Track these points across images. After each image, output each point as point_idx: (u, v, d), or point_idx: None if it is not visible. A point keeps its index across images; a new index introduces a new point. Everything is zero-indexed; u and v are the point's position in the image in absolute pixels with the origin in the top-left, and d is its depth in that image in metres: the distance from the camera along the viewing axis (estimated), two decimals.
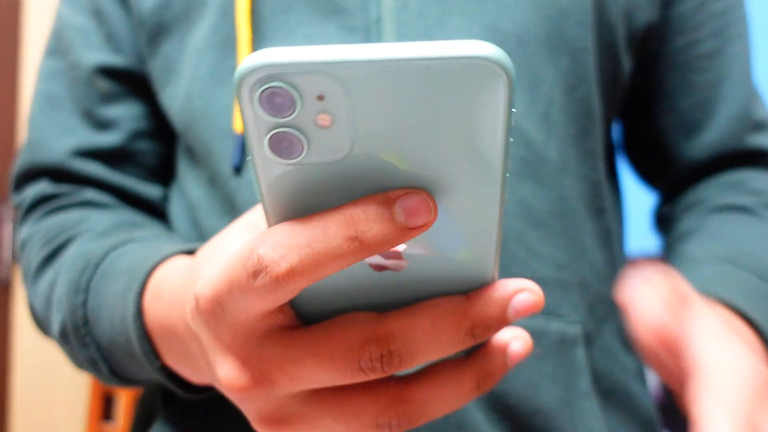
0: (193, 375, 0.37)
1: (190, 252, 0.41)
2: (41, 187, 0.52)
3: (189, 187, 0.51)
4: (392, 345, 0.27)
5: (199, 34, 0.49)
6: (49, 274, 0.47)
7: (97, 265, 0.43)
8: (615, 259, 0.51)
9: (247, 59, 0.22)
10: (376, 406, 0.29)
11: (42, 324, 0.50)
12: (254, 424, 0.31)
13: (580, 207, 0.48)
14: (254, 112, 0.23)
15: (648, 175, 0.60)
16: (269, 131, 0.23)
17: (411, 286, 0.28)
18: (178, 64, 0.50)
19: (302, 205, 0.25)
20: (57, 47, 0.56)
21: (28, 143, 0.54)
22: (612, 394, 0.48)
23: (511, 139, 0.26)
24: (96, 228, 0.48)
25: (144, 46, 0.52)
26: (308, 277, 0.25)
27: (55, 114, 0.54)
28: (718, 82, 0.54)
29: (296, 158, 0.24)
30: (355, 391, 0.29)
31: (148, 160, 0.55)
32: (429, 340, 0.27)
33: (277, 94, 0.22)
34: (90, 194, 0.52)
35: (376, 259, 0.27)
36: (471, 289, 0.29)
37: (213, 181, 0.48)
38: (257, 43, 0.47)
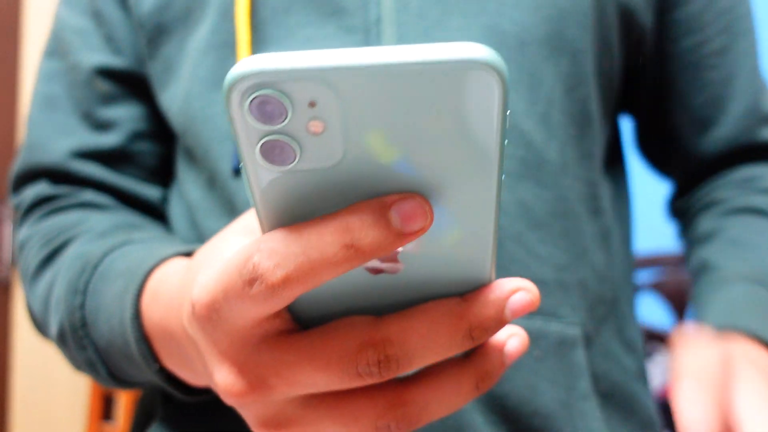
0: (192, 377, 0.37)
1: (189, 254, 0.40)
2: (40, 188, 0.52)
3: (188, 188, 0.50)
4: (389, 350, 0.27)
5: (200, 36, 0.49)
6: (47, 276, 0.47)
7: (95, 267, 0.43)
8: (615, 259, 0.51)
9: (236, 67, 0.22)
10: (375, 409, 0.29)
11: (40, 325, 0.50)
12: (253, 428, 0.30)
13: (580, 207, 0.48)
14: (245, 120, 0.23)
15: (661, 167, 0.62)
16: (260, 139, 0.23)
17: (408, 288, 0.28)
18: (177, 65, 0.50)
19: (296, 211, 0.25)
20: (56, 48, 0.56)
21: (27, 144, 0.54)
22: (611, 396, 0.48)
23: (506, 141, 0.26)
24: (95, 229, 0.47)
25: (143, 48, 0.52)
26: (304, 285, 0.25)
27: (55, 115, 0.54)
28: (729, 79, 0.55)
29: (289, 165, 0.24)
30: (354, 394, 0.29)
31: (148, 161, 0.55)
32: (426, 344, 0.27)
33: (267, 102, 0.22)
34: (89, 195, 0.52)
35: (373, 262, 0.27)
36: (468, 290, 0.28)
37: (212, 183, 0.48)
38: (257, 44, 0.46)
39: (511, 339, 0.31)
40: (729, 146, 0.56)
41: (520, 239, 0.45)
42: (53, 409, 1.88)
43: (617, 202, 0.55)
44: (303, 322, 0.29)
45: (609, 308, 0.49)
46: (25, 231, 0.52)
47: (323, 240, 0.24)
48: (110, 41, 0.54)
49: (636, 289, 0.55)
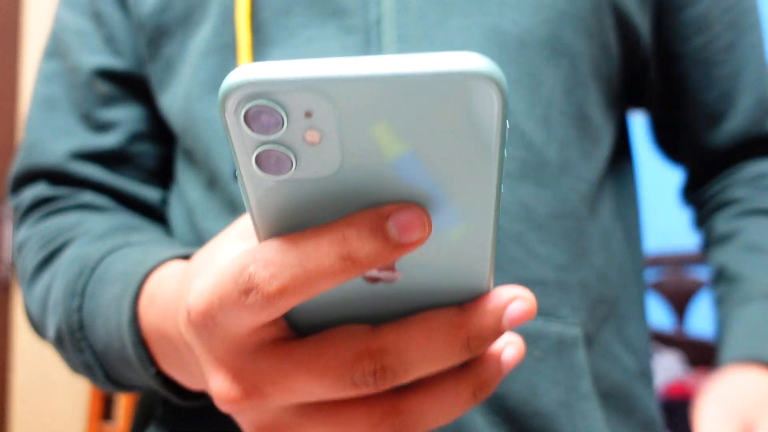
0: (189, 381, 0.37)
1: (186, 257, 0.40)
2: (39, 189, 0.52)
3: (187, 189, 0.50)
4: (385, 360, 0.27)
5: (201, 37, 0.49)
6: (45, 278, 0.47)
7: (93, 270, 0.43)
8: (617, 259, 0.51)
9: (232, 76, 0.21)
10: (371, 418, 0.28)
11: (38, 328, 0.50)
12: None
13: (580, 208, 0.48)
14: (240, 130, 0.22)
15: (674, 158, 0.63)
16: (256, 148, 0.23)
17: (405, 297, 0.28)
18: (178, 66, 0.50)
19: (292, 220, 0.25)
20: (56, 49, 0.56)
21: (26, 145, 0.54)
22: (612, 396, 0.48)
23: (506, 153, 0.25)
24: (93, 231, 0.47)
25: (144, 49, 0.52)
26: (300, 296, 0.25)
27: (54, 116, 0.54)
28: (737, 73, 0.56)
29: (285, 174, 0.23)
30: (350, 402, 0.29)
31: (148, 163, 0.54)
32: (423, 355, 0.27)
33: (263, 112, 0.22)
34: (88, 197, 0.52)
35: (370, 271, 0.27)
36: (466, 299, 0.28)
37: (213, 184, 0.48)
38: (258, 46, 0.46)
39: (508, 347, 0.31)
40: (740, 139, 0.57)
41: (521, 240, 0.45)
42: (53, 409, 1.88)
43: (621, 202, 0.55)
44: (299, 330, 0.29)
45: (609, 308, 0.49)
46: (23, 232, 0.52)
47: (320, 251, 0.24)
48: (110, 42, 0.54)
49: (644, 288, 0.55)
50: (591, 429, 0.45)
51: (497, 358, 0.31)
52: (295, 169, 0.23)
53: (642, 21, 0.53)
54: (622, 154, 0.57)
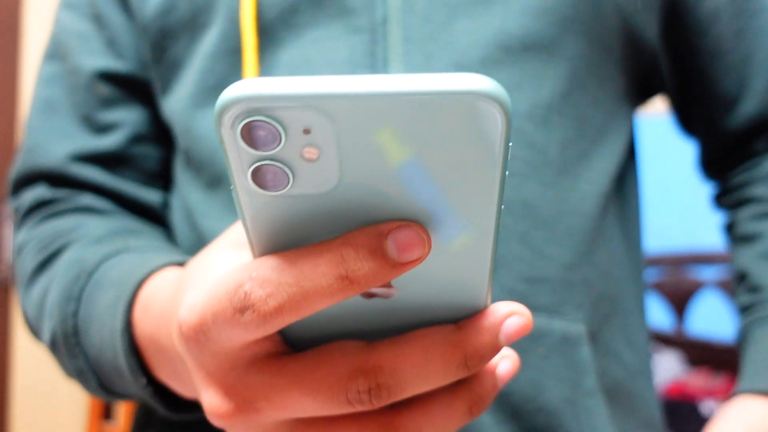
0: (184, 390, 0.37)
1: (183, 263, 0.40)
2: (39, 191, 0.52)
3: (188, 190, 0.50)
4: (380, 378, 0.26)
5: (208, 41, 0.49)
6: (42, 281, 0.47)
7: (90, 274, 0.43)
8: (618, 257, 0.52)
9: (229, 90, 0.21)
10: None
11: (35, 331, 0.49)
12: None
13: (584, 206, 0.48)
14: (236, 145, 0.22)
15: (691, 135, 0.63)
16: (252, 163, 0.22)
17: (401, 312, 0.28)
18: (184, 68, 0.50)
19: (288, 236, 0.25)
20: (56, 52, 0.56)
21: (25, 147, 0.54)
22: (614, 393, 0.48)
23: (507, 172, 0.25)
24: (91, 235, 0.47)
25: (148, 52, 0.52)
26: (296, 315, 0.24)
27: (54, 119, 0.53)
28: (749, 57, 0.57)
29: (281, 190, 0.23)
30: (344, 418, 0.28)
31: (148, 165, 0.54)
32: (419, 373, 0.27)
33: (260, 127, 0.21)
34: (87, 199, 0.52)
35: None
36: (463, 315, 0.28)
37: (215, 184, 0.48)
38: (265, 48, 0.46)
39: (503, 361, 0.31)
40: (755, 120, 0.58)
41: (526, 238, 0.45)
42: (53, 409, 1.89)
43: (623, 201, 0.55)
44: (293, 344, 0.29)
45: (612, 306, 0.50)
46: (22, 235, 0.52)
47: (317, 270, 0.24)
48: (112, 45, 0.54)
49: (644, 286, 0.56)
50: (595, 425, 0.45)
51: (492, 373, 0.30)
52: (292, 185, 0.23)
53: (647, 22, 0.53)
54: (625, 154, 0.57)
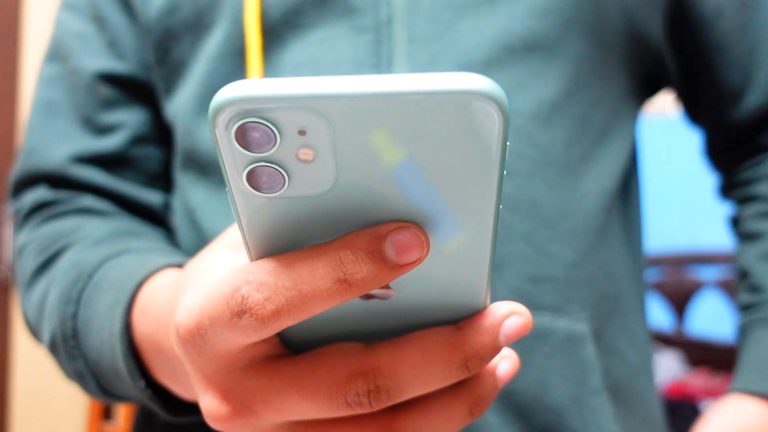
0: (183, 392, 0.37)
1: (182, 265, 0.40)
2: (39, 193, 0.52)
3: (190, 191, 0.50)
4: (380, 380, 0.26)
5: (213, 41, 0.48)
6: (42, 283, 0.47)
7: (90, 276, 0.42)
8: (620, 255, 0.52)
9: (223, 91, 0.21)
10: None
11: (34, 332, 0.49)
12: None
13: (588, 206, 0.48)
14: (231, 147, 0.21)
15: (697, 125, 0.63)
16: (247, 165, 0.22)
17: (400, 314, 0.27)
18: (188, 69, 0.50)
19: (285, 238, 0.24)
20: (57, 53, 0.56)
21: (26, 149, 0.54)
22: (617, 391, 0.48)
23: (505, 172, 0.25)
24: (92, 236, 0.47)
25: (150, 54, 0.52)
26: (294, 318, 0.24)
27: (55, 120, 0.53)
28: (753, 50, 0.57)
29: (277, 192, 0.22)
30: (343, 420, 0.28)
31: (149, 166, 0.54)
32: (419, 375, 0.26)
33: (254, 129, 0.21)
34: (88, 201, 0.52)
35: None
36: (462, 316, 0.28)
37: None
38: (270, 48, 0.46)
39: (503, 362, 0.31)
40: (760, 112, 0.58)
41: (531, 237, 0.45)
42: (54, 408, 1.89)
43: (626, 201, 0.55)
44: (291, 346, 0.29)
45: (614, 304, 0.50)
46: (23, 237, 0.51)
47: (315, 274, 0.23)
48: (113, 46, 0.54)
49: (645, 285, 0.56)
50: (601, 423, 0.45)
51: (493, 374, 0.30)
52: (288, 186, 0.22)
53: (652, 20, 0.53)
54: (629, 153, 0.57)
